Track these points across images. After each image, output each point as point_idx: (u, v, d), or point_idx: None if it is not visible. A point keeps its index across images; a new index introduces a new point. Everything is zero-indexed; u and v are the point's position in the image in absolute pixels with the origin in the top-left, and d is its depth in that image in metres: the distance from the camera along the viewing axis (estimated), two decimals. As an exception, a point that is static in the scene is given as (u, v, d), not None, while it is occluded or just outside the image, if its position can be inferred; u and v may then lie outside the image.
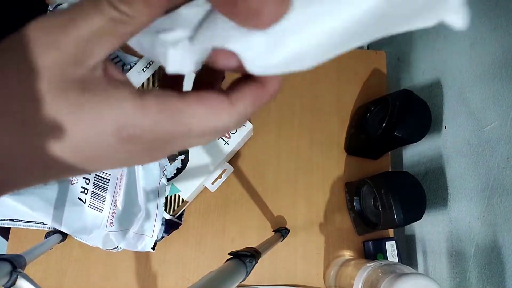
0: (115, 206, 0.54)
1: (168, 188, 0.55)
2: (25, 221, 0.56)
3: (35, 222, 0.55)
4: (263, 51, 0.16)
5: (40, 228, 0.56)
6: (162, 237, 0.56)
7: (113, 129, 0.17)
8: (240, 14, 0.15)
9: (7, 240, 0.58)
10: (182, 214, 0.60)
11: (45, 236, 0.55)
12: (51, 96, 0.17)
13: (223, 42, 0.16)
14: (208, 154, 0.56)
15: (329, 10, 0.14)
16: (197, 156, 0.56)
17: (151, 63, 0.59)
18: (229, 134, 0.57)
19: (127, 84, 0.18)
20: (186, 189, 0.55)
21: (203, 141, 0.20)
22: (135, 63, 0.60)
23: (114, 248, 0.55)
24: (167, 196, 0.55)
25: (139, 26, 0.17)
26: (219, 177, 0.59)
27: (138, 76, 0.58)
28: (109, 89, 0.17)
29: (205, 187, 0.59)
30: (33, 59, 0.17)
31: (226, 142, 0.57)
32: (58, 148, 0.17)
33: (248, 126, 0.59)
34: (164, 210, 0.55)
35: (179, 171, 0.56)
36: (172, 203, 0.55)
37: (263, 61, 0.16)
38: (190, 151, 0.56)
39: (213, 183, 0.58)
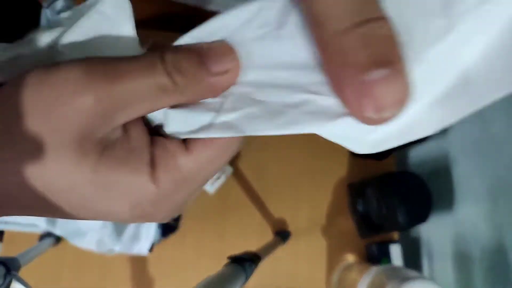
0: None
1: None
2: (18, 224, 0.55)
3: (28, 225, 0.55)
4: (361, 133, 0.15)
5: (34, 231, 0.56)
6: (159, 240, 0.56)
7: (126, 206, 0.16)
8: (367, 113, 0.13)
9: (1, 243, 0.58)
10: (179, 217, 0.59)
11: (39, 239, 0.54)
12: (68, 155, 0.15)
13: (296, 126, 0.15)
14: None
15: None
16: None
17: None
18: None
19: (142, 148, 0.17)
20: None
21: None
22: None
23: (108, 251, 0.55)
24: None
25: (184, 100, 0.16)
26: (218, 178, 0.58)
27: None
28: (126, 156, 0.16)
29: (204, 189, 0.59)
30: (60, 102, 0.15)
31: None
32: (64, 204, 0.16)
33: None
34: None
35: None
36: None
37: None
38: None
39: (211, 184, 0.58)
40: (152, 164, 0.16)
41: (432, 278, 0.57)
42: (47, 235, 0.55)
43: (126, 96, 0.15)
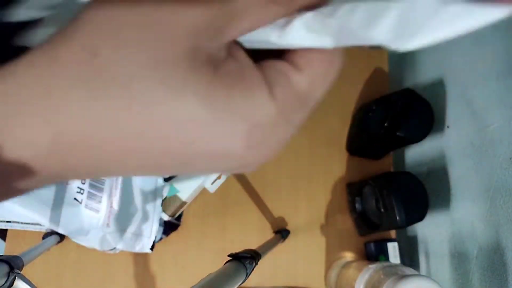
0: (111, 207, 0.54)
1: (167, 188, 0.55)
2: (22, 223, 0.55)
3: (32, 224, 0.55)
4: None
5: (37, 230, 0.56)
6: (161, 238, 0.56)
7: (243, 131, 0.14)
8: None
9: (5, 241, 0.58)
10: (181, 215, 0.59)
11: (42, 237, 0.55)
12: (180, 73, 0.13)
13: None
14: None
15: None
16: None
17: None
18: None
19: (253, 68, 0.15)
20: (185, 189, 0.54)
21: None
22: None
23: (111, 249, 0.55)
24: (165, 197, 0.54)
25: (294, 8, 0.14)
26: (219, 177, 0.58)
27: None
28: (240, 74, 0.14)
29: (204, 187, 0.59)
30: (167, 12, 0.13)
31: None
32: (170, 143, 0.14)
33: None
34: (163, 211, 0.54)
35: None
36: (170, 204, 0.54)
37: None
38: None
39: (212, 183, 0.58)
40: (267, 83, 0.15)
41: (429, 276, 0.57)
42: (50, 233, 0.55)
43: (235, 5, 0.13)
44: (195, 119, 0.13)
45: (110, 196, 0.54)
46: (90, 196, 0.54)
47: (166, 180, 0.55)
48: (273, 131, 0.15)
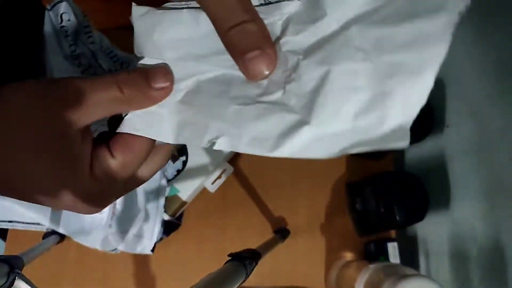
0: (114, 207, 0.54)
1: (168, 188, 0.55)
2: (23, 223, 0.55)
3: (33, 223, 0.55)
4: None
5: (39, 229, 0.56)
6: (161, 238, 0.56)
7: (69, 198, 0.22)
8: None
9: (5, 241, 0.58)
10: (181, 214, 0.59)
11: (43, 237, 0.55)
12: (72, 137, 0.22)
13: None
14: (207, 153, 0.55)
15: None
16: (196, 155, 0.55)
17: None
18: None
19: (87, 153, 0.23)
20: (185, 189, 0.54)
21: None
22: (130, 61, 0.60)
23: (113, 250, 0.55)
24: (166, 197, 0.55)
25: (132, 108, 0.23)
26: (219, 177, 0.58)
27: None
28: (81, 150, 0.23)
29: (205, 187, 0.59)
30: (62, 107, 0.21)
31: None
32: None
33: None
34: (164, 211, 0.54)
35: (179, 172, 0.55)
36: (171, 203, 0.54)
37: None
38: (189, 151, 0.55)
39: (212, 183, 0.58)
40: (91, 164, 0.23)
41: (429, 276, 0.57)
42: (50, 233, 0.55)
43: (94, 103, 0.22)
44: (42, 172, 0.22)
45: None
46: None
47: (169, 181, 0.55)
48: (92, 195, 0.23)
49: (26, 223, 0.55)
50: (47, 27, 0.60)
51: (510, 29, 0.44)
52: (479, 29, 0.50)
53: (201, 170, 0.55)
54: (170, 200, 0.54)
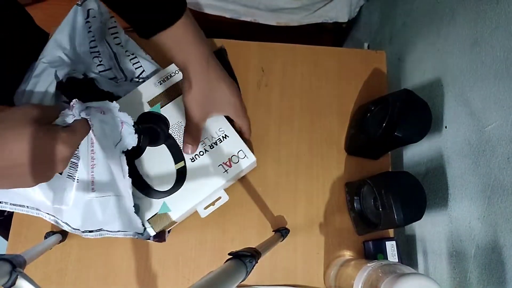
0: (92, 172, 0.48)
1: (160, 205, 0.54)
2: (11, 204, 0.48)
3: (20, 206, 0.49)
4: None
5: (24, 212, 0.49)
6: (148, 239, 0.53)
7: None
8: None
9: (7, 240, 0.58)
10: (169, 231, 0.58)
11: (44, 236, 0.55)
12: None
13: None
14: (205, 178, 0.54)
15: None
16: (194, 178, 0.54)
17: (168, 77, 0.59)
18: (230, 163, 0.55)
19: None
20: (177, 210, 0.53)
21: None
22: (152, 74, 0.62)
23: (97, 231, 0.50)
24: (156, 213, 0.53)
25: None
26: (212, 204, 0.56)
27: (154, 87, 0.58)
28: None
29: (196, 211, 0.57)
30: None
31: (226, 171, 0.55)
32: None
33: (251, 158, 0.56)
34: (151, 226, 0.52)
35: (135, 151, 0.51)
36: (160, 221, 0.52)
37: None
38: (188, 172, 0.54)
39: (205, 208, 0.56)
40: None
41: (427, 274, 0.57)
42: (52, 232, 0.55)
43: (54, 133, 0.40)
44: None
45: (88, 160, 0.48)
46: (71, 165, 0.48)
47: (125, 152, 0.50)
48: None
49: (13, 204, 0.48)
50: (79, 20, 0.61)
51: (508, 29, 0.44)
52: (478, 30, 0.51)
53: (196, 194, 0.54)
54: (160, 217, 0.53)
